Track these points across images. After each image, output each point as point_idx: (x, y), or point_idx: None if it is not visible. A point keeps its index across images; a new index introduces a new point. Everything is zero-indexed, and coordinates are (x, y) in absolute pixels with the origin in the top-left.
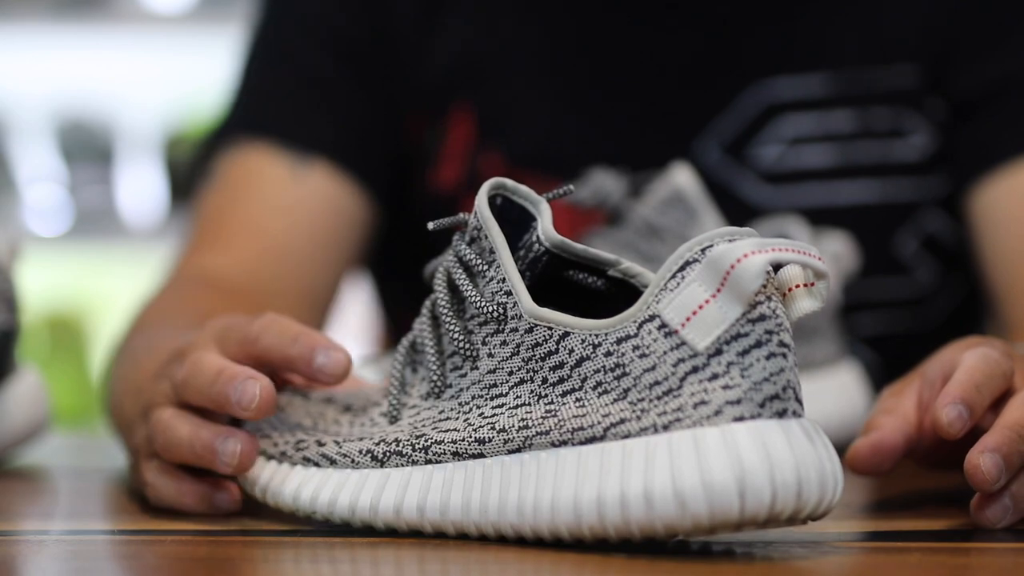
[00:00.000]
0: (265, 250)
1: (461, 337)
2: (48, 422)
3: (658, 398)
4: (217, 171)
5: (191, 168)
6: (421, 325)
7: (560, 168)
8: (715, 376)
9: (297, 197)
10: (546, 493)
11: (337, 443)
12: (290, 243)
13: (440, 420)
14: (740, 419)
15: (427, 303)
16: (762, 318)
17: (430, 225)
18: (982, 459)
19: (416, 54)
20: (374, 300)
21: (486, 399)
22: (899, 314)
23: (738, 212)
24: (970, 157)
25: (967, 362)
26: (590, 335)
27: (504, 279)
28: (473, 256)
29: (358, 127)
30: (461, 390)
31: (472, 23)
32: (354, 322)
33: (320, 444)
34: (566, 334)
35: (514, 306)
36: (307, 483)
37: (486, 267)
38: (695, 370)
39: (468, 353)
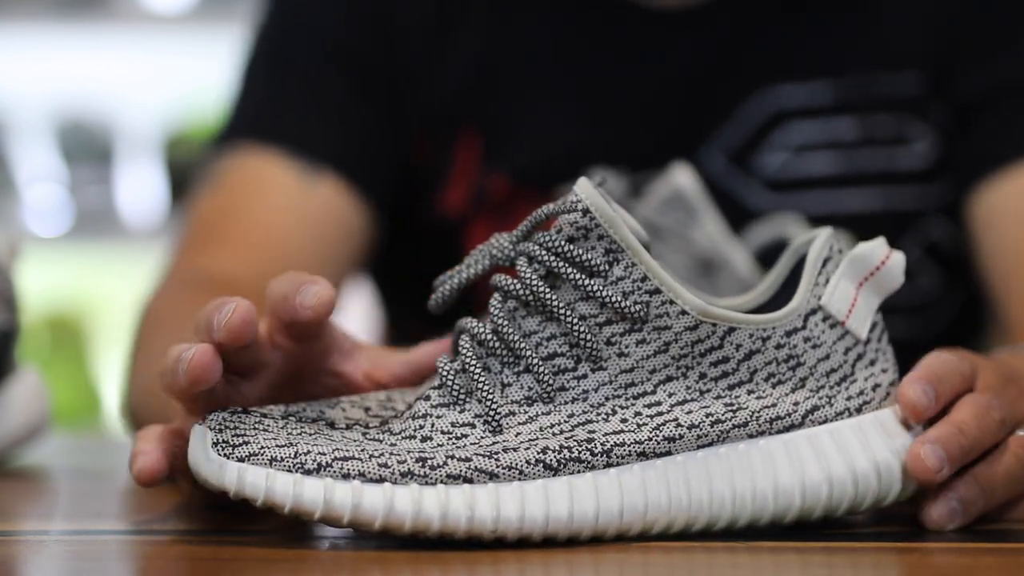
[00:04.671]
0: (274, 254)
1: (590, 338)
2: (48, 422)
3: (837, 384)
4: (219, 174)
5: (197, 169)
6: (498, 326)
7: (564, 187)
8: (873, 362)
9: (306, 206)
10: (762, 481)
11: (486, 456)
12: (299, 249)
13: (583, 424)
14: None
15: (498, 303)
16: (881, 308)
17: (431, 307)
18: (923, 449)
19: (425, 77)
20: (379, 313)
21: (627, 398)
22: (902, 321)
23: (742, 220)
24: (970, 160)
25: (925, 360)
26: (758, 329)
27: (645, 278)
28: (583, 254)
29: (364, 142)
30: (586, 392)
31: (478, 45)
32: (354, 327)
33: (463, 460)
34: (732, 329)
35: (660, 304)
36: (458, 500)
37: (607, 266)
38: (860, 357)
39: (590, 355)
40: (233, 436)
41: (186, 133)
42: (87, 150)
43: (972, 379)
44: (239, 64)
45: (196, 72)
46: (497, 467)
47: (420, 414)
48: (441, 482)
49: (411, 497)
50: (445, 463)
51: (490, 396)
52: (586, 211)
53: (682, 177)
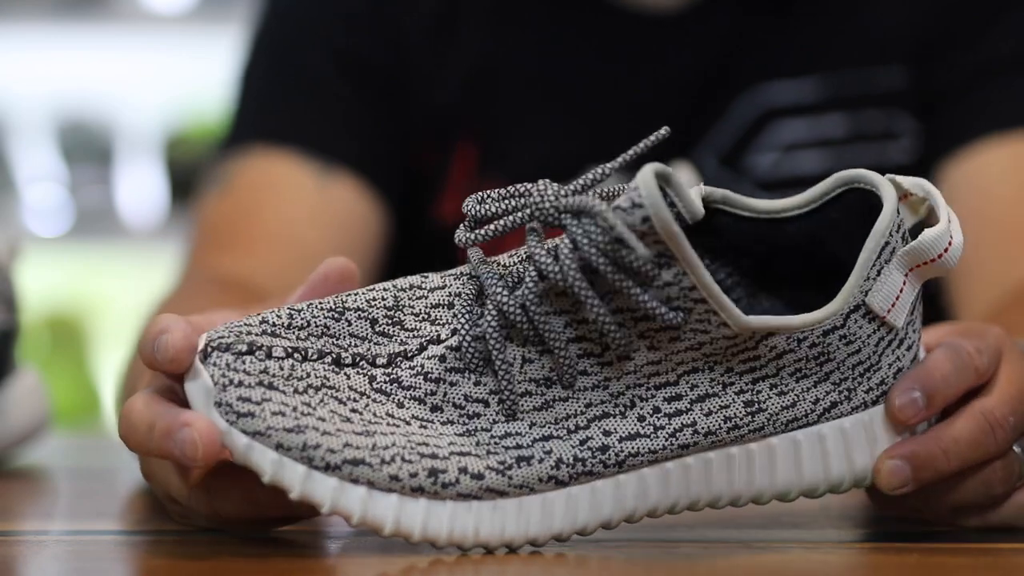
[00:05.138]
0: (290, 255)
1: (622, 335)
2: (48, 422)
3: (861, 375)
4: (230, 175)
5: (203, 172)
6: (528, 303)
7: None
8: (901, 342)
9: (322, 206)
10: (782, 477)
11: (499, 471)
12: (315, 250)
13: (600, 418)
14: None
15: (532, 282)
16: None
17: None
18: (886, 466)
19: (425, 84)
20: None
21: (648, 388)
22: None
23: None
24: (938, 142)
25: (936, 352)
26: (797, 332)
27: (693, 287)
28: (630, 255)
29: (374, 143)
30: (608, 379)
31: (475, 54)
32: None
33: (476, 476)
34: (770, 334)
35: (704, 313)
36: (466, 520)
37: (656, 269)
38: (890, 343)
39: (619, 345)
40: (238, 399)
41: (186, 133)
42: (87, 150)
43: (990, 371)
44: (239, 67)
45: (196, 72)
46: (508, 486)
47: (433, 376)
48: (451, 499)
49: (419, 516)
50: (457, 480)
51: (508, 370)
52: (646, 218)
53: (683, 176)
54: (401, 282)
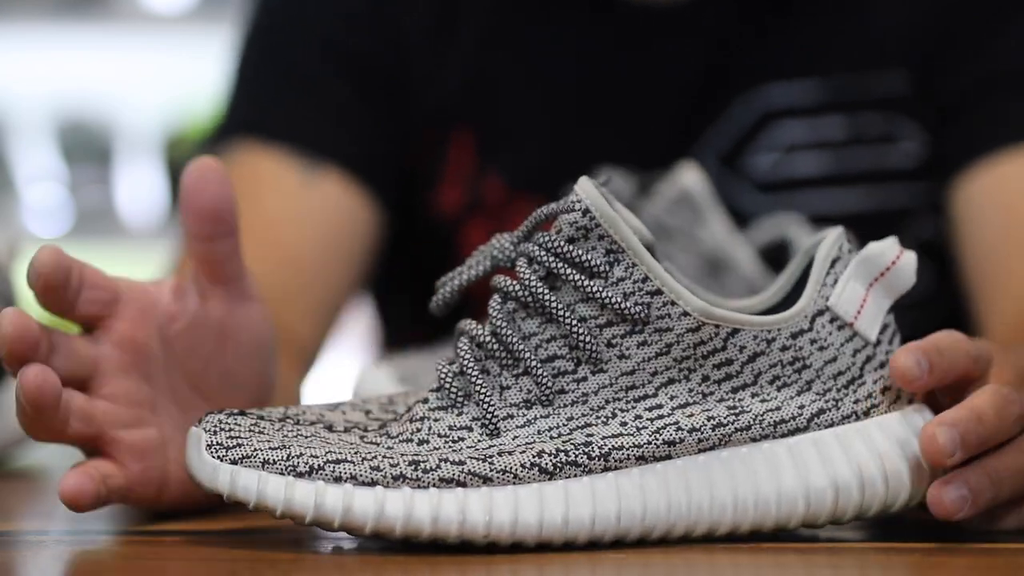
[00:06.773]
0: (277, 258)
1: (590, 340)
2: None
3: (845, 387)
4: None
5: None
6: (497, 327)
7: (559, 190)
8: (883, 364)
9: (308, 204)
10: (765, 486)
11: (480, 459)
12: (302, 251)
13: (582, 427)
14: (911, 401)
15: (497, 305)
16: (892, 308)
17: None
18: (938, 430)
19: (423, 78)
20: (374, 315)
21: (627, 401)
22: (895, 319)
23: (735, 223)
24: (951, 154)
25: (932, 335)
26: (763, 331)
27: (646, 278)
28: (583, 254)
29: (365, 139)
30: (586, 395)
31: (474, 47)
32: (358, 332)
33: (457, 463)
34: (735, 331)
35: (662, 306)
36: (450, 504)
37: (608, 267)
38: (869, 360)
39: (591, 357)
40: (227, 438)
41: (186, 133)
42: (87, 150)
43: (981, 364)
44: (232, 62)
45: (196, 72)
46: (491, 471)
47: (418, 417)
48: (433, 486)
49: (402, 501)
50: (438, 466)
51: (488, 399)
52: (586, 211)
53: (690, 177)
54: (392, 393)
